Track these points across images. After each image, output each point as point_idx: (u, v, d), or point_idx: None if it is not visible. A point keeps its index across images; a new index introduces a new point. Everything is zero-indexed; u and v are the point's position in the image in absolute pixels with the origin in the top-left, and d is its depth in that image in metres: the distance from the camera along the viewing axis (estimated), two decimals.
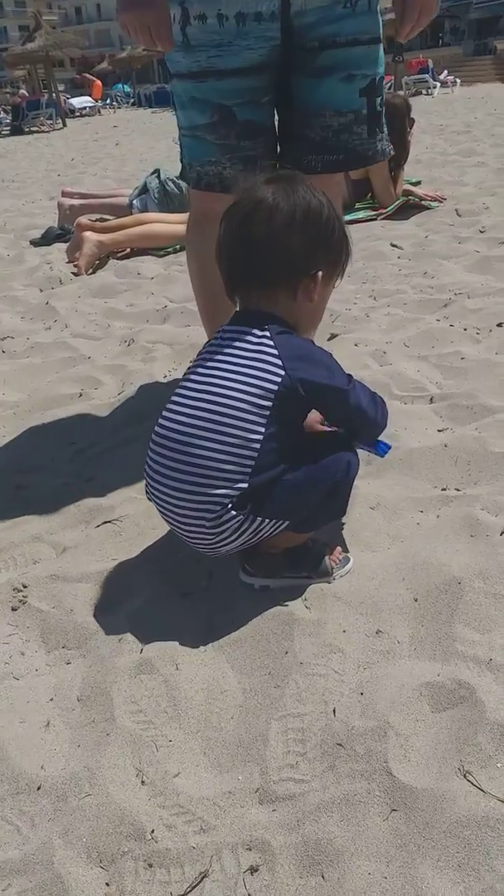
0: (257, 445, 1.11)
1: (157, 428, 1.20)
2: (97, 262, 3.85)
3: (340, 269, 1.23)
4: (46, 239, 4.56)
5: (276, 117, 1.66)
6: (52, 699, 1.14)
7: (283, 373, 1.11)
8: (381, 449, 1.29)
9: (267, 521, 1.16)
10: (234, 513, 1.12)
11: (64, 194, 4.97)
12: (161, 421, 1.19)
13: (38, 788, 0.99)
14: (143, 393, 2.24)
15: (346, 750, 0.99)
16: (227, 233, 1.19)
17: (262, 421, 1.11)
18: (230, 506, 1.12)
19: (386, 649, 1.16)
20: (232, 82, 1.52)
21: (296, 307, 1.19)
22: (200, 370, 1.19)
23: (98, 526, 1.58)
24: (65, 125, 18.71)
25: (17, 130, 18.41)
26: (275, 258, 1.15)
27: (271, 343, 1.14)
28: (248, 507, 1.13)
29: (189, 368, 1.24)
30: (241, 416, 1.11)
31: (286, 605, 1.26)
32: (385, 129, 1.67)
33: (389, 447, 1.30)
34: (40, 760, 1.03)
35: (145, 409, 2.12)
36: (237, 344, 1.16)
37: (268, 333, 1.15)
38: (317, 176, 1.57)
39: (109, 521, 1.58)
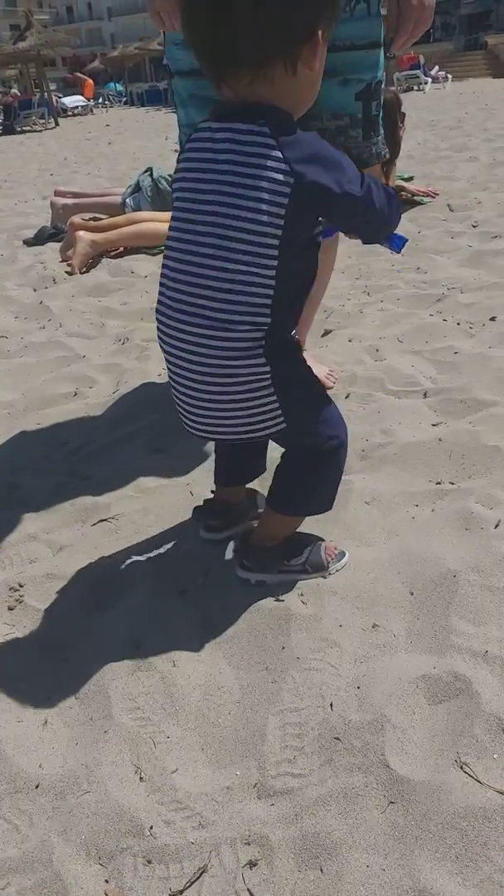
0: (273, 273, 0.99)
1: (164, 261, 1.08)
2: (90, 261, 3.84)
3: (334, 18, 1.01)
4: (39, 238, 4.55)
5: None
6: (49, 697, 1.14)
7: (291, 180, 0.95)
8: (396, 244, 1.19)
9: (273, 405, 1.07)
10: (263, 360, 1.02)
11: (56, 193, 4.95)
12: (167, 252, 1.07)
13: (37, 787, 0.99)
14: (138, 391, 2.24)
15: (344, 744, 1.00)
16: (198, 2, 0.96)
17: (275, 242, 0.97)
18: (260, 350, 1.02)
19: (382, 643, 1.17)
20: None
21: (294, 83, 0.98)
22: (197, 187, 1.02)
23: (94, 524, 1.58)
24: (57, 124, 18.65)
25: (8, 130, 18.36)
26: (269, 22, 0.92)
27: (273, 143, 0.95)
28: (272, 370, 1.04)
29: (179, 177, 1.06)
30: (253, 238, 0.97)
31: (282, 601, 1.26)
32: (381, 132, 1.66)
33: (405, 240, 1.20)
34: (38, 759, 1.03)
35: (140, 407, 2.12)
36: (232, 149, 0.98)
37: (266, 130, 0.96)
38: None
39: (105, 520, 1.58)
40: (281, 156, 0.95)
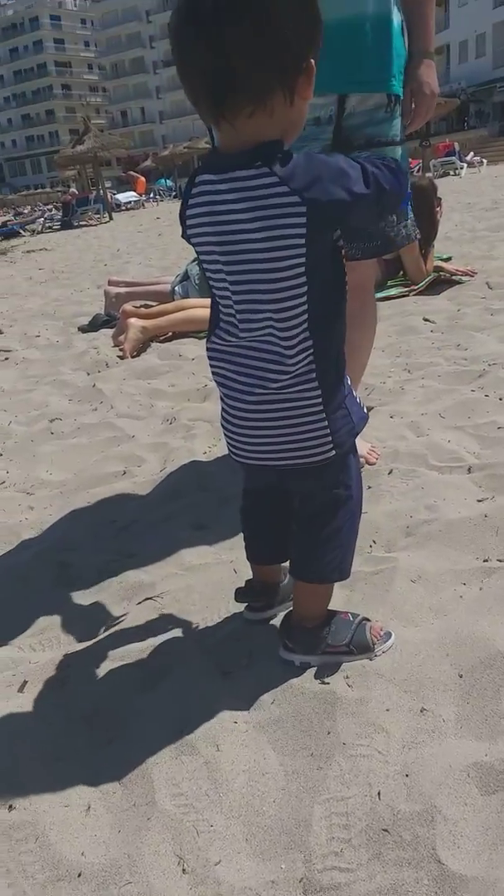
0: (304, 298, 1.03)
1: (214, 300, 1.13)
2: (141, 345, 4.01)
3: (320, 46, 1.00)
4: (94, 325, 4.79)
5: None
6: (93, 781, 1.13)
7: (304, 209, 0.96)
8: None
9: (324, 430, 1.10)
10: (315, 383, 1.07)
11: (110, 283, 5.23)
12: (215, 293, 1.12)
13: (79, 875, 0.98)
14: (184, 469, 2.29)
15: (393, 836, 0.96)
16: (194, 33, 0.93)
17: (301, 270, 1.01)
18: (313, 375, 1.07)
19: (431, 728, 1.13)
20: None
21: (291, 113, 0.98)
22: (216, 240, 1.04)
23: (139, 603, 1.59)
24: (111, 218, 19.82)
25: (67, 225, 19.59)
26: (267, 51, 0.91)
27: (276, 180, 0.96)
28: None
29: (193, 233, 1.08)
30: (281, 275, 1.01)
31: (327, 683, 1.24)
32: (409, 215, 1.77)
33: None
34: (81, 846, 1.02)
35: (185, 485, 2.16)
36: (242, 198, 0.98)
37: (266, 170, 0.96)
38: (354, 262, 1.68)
39: (150, 598, 1.59)
40: (288, 189, 0.96)
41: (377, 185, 1.02)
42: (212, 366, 1.18)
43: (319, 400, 1.10)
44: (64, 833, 1.04)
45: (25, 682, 1.36)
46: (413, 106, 1.74)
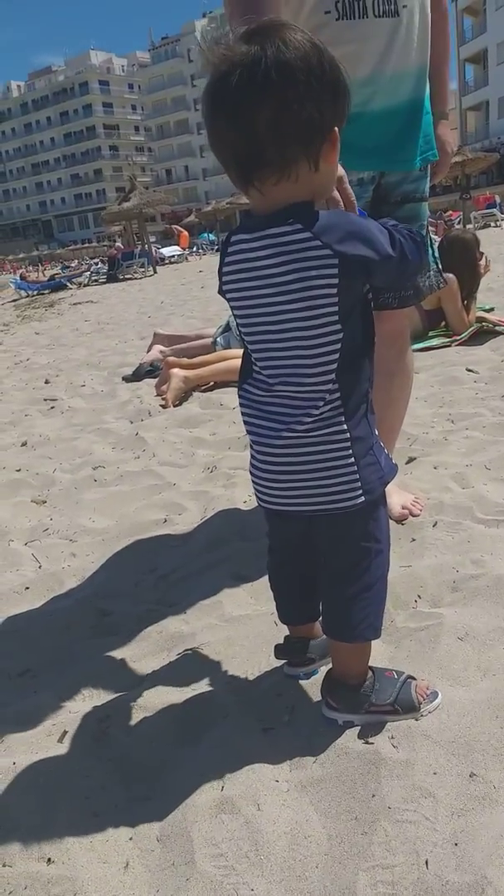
0: (339, 345, 1.06)
1: (248, 351, 1.17)
2: (183, 395, 4.08)
3: (346, 115, 1.05)
4: (137, 375, 4.89)
5: None
6: (131, 838, 1.11)
7: (336, 261, 1.00)
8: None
9: (353, 475, 1.11)
10: (344, 426, 1.10)
11: (155, 336, 5.37)
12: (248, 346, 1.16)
13: None
14: (224, 518, 2.30)
15: None
16: (222, 111, 0.99)
17: (335, 318, 1.04)
18: (341, 418, 1.10)
19: (481, 794, 1.08)
20: None
21: (317, 178, 1.03)
22: (252, 294, 1.09)
23: (179, 654, 1.58)
24: (155, 272, 20.42)
25: (112, 278, 20.22)
26: (291, 127, 0.97)
27: (309, 235, 1.00)
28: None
29: (229, 289, 1.13)
30: (318, 322, 1.05)
31: (372, 743, 1.20)
32: (436, 265, 1.92)
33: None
34: None
35: (226, 533, 2.16)
36: (275, 253, 1.03)
37: (299, 226, 1.01)
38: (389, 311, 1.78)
39: (190, 649, 1.58)
40: (320, 243, 1.00)
41: (402, 252, 1.08)
42: (243, 413, 1.21)
43: (348, 443, 1.11)
44: (101, 891, 1.02)
45: (65, 732, 1.36)
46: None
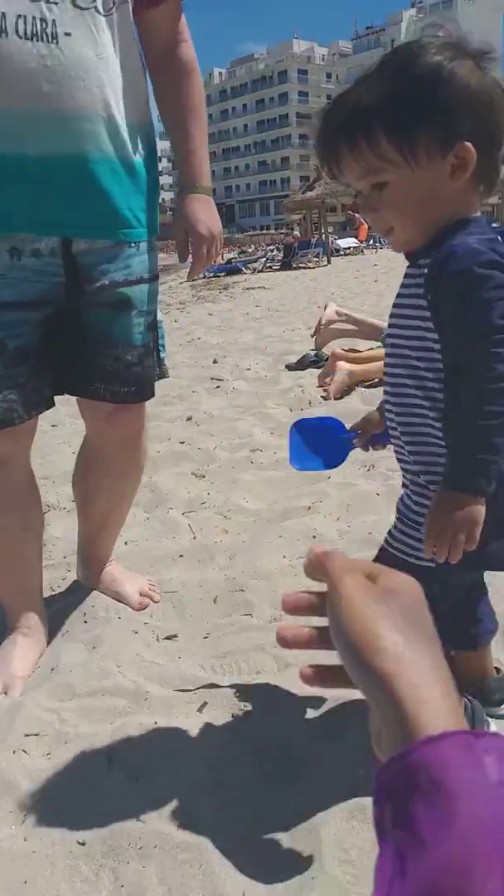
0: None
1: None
2: (346, 388, 4.04)
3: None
4: (301, 364, 4.91)
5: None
6: (261, 820, 1.12)
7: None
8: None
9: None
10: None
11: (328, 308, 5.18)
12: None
13: None
14: (370, 517, 2.25)
15: None
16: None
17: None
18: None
19: None
20: (6, 315, 1.39)
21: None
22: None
23: None
24: (329, 262, 20.41)
25: (286, 266, 20.49)
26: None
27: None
28: None
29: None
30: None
31: None
32: (160, 357, 1.64)
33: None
34: (242, 886, 1.01)
35: (365, 527, 2.12)
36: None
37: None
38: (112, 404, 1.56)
39: None
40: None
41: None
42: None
43: None
44: (226, 867, 1.04)
45: (206, 704, 1.40)
46: (191, 248, 1.59)
